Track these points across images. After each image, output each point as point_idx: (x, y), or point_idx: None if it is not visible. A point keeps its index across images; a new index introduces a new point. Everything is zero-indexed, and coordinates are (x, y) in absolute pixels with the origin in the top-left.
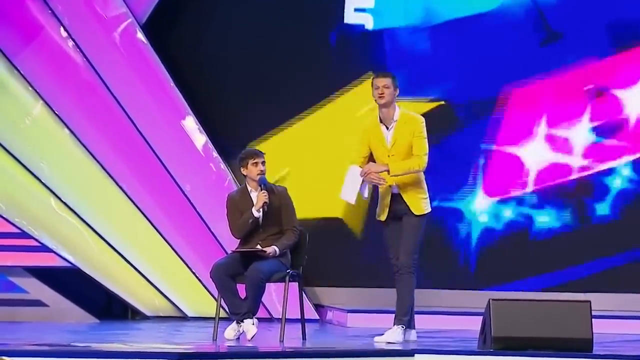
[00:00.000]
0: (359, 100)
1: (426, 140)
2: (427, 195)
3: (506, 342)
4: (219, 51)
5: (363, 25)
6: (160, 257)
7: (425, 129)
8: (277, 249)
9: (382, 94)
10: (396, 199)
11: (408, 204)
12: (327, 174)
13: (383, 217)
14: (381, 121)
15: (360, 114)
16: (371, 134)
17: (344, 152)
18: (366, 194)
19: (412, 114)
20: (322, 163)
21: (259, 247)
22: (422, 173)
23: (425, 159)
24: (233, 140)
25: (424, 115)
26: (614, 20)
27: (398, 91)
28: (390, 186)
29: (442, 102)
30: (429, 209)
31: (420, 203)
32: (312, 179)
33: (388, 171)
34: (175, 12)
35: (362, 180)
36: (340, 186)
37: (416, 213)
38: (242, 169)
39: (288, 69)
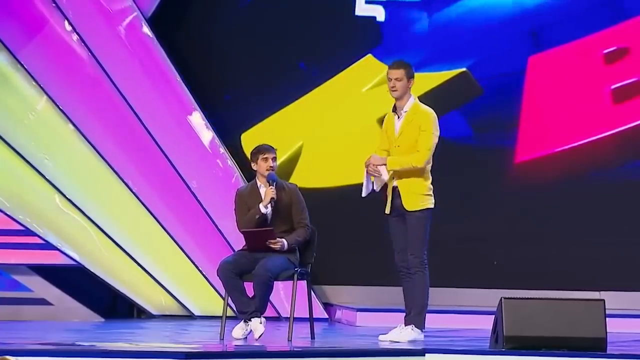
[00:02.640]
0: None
1: (433, 136)
2: (429, 190)
3: (518, 342)
4: (226, 44)
5: (374, 18)
6: (166, 254)
7: (434, 124)
8: (285, 243)
9: (393, 87)
10: (395, 192)
11: (402, 198)
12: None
13: (387, 210)
14: (394, 110)
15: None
16: (387, 123)
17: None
18: (371, 187)
19: (423, 107)
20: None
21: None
22: (427, 168)
23: (427, 155)
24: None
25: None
26: None
27: (412, 81)
28: (393, 178)
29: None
30: (429, 205)
31: (415, 198)
32: (325, 150)
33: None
34: (181, 6)
35: (366, 173)
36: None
37: (407, 208)
38: (252, 164)
39: (296, 63)
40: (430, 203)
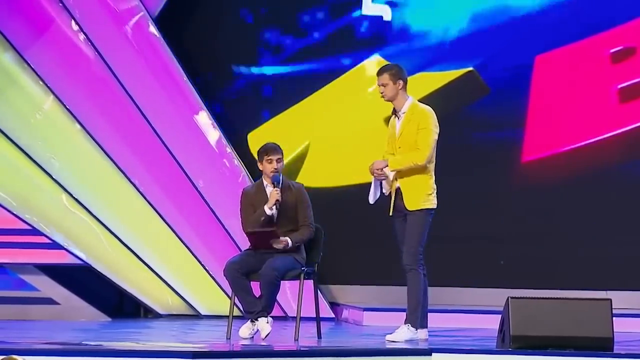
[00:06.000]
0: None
1: (432, 133)
2: (432, 190)
3: (525, 341)
4: (233, 44)
5: (381, 17)
6: (173, 254)
7: (433, 121)
8: (289, 241)
9: (382, 92)
10: (398, 193)
11: (404, 198)
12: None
13: (390, 212)
14: (394, 112)
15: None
16: (389, 127)
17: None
18: (379, 193)
19: (421, 106)
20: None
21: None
22: (430, 167)
23: (427, 152)
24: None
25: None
26: None
27: (402, 82)
28: (395, 179)
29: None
30: (431, 205)
31: (417, 198)
32: (331, 150)
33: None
34: (187, 5)
35: (374, 179)
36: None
37: (409, 208)
38: (258, 164)
39: (302, 62)
40: (432, 203)
